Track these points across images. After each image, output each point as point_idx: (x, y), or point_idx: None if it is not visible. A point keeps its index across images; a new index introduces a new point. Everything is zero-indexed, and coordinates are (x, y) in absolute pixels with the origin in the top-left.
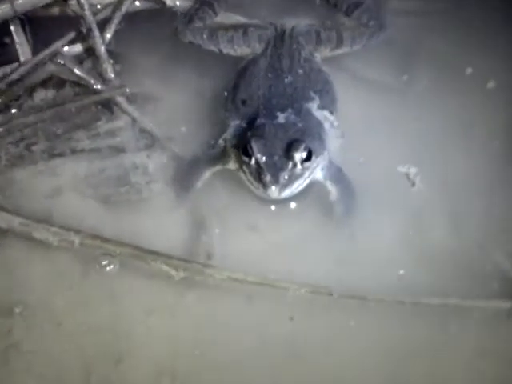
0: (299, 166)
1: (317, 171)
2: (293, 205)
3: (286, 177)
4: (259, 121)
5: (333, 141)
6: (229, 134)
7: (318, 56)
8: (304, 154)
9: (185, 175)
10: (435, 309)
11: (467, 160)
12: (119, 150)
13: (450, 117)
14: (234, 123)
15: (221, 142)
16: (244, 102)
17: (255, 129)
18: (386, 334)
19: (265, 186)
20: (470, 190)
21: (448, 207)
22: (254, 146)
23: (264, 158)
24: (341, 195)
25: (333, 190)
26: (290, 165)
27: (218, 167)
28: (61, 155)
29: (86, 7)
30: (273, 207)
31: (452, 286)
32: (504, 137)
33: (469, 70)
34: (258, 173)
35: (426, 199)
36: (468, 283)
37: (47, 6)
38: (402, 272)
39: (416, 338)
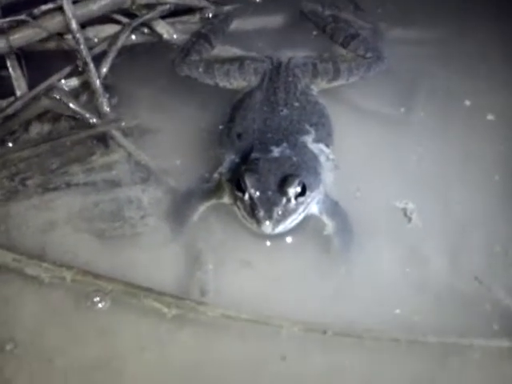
0: (293, 200)
1: (312, 205)
2: (289, 239)
3: (280, 212)
4: (253, 155)
5: (328, 174)
6: (224, 167)
7: (314, 88)
8: (298, 189)
9: (179, 209)
10: (433, 347)
11: (466, 194)
12: (114, 184)
13: (448, 150)
14: (229, 157)
15: (216, 175)
16: (239, 136)
17: (249, 163)
18: (382, 372)
19: (258, 221)
20: (468, 225)
21: (446, 243)
22: (248, 180)
23: (257, 193)
24: (337, 229)
25: (329, 224)
26: (284, 200)
27: (213, 201)
28: (55, 189)
29: (82, 42)
30: (268, 243)
31: (451, 324)
32: (503, 171)
33: (468, 102)
34: (252, 208)
35: (424, 235)
36: (468, 320)
37: (43, 40)
38: (399, 309)
39: (413, 378)
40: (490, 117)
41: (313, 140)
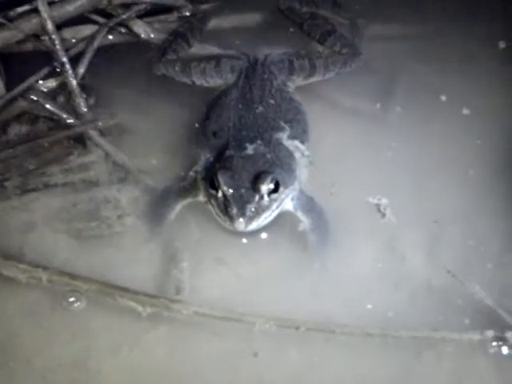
0: (266, 197)
1: (286, 202)
2: (264, 236)
3: (253, 209)
4: (228, 153)
5: (303, 170)
6: (199, 166)
7: (290, 85)
8: (271, 186)
9: (156, 208)
10: (407, 342)
11: (441, 189)
12: (92, 184)
13: (423, 145)
14: (205, 155)
15: (191, 174)
16: (214, 134)
17: (223, 161)
18: (356, 368)
19: (231, 218)
20: (443, 220)
21: (421, 238)
22: (221, 178)
23: (230, 191)
24: (312, 225)
25: (304, 220)
26: (257, 197)
27: (189, 200)
28: (34, 190)
29: (58, 43)
30: (244, 240)
31: (425, 318)
32: (478, 165)
33: (443, 97)
34: (225, 206)
35: (398, 230)
36: (442, 314)
37: (20, 42)
38: (373, 304)
39: (387, 372)
40: (465, 111)
41: (288, 137)
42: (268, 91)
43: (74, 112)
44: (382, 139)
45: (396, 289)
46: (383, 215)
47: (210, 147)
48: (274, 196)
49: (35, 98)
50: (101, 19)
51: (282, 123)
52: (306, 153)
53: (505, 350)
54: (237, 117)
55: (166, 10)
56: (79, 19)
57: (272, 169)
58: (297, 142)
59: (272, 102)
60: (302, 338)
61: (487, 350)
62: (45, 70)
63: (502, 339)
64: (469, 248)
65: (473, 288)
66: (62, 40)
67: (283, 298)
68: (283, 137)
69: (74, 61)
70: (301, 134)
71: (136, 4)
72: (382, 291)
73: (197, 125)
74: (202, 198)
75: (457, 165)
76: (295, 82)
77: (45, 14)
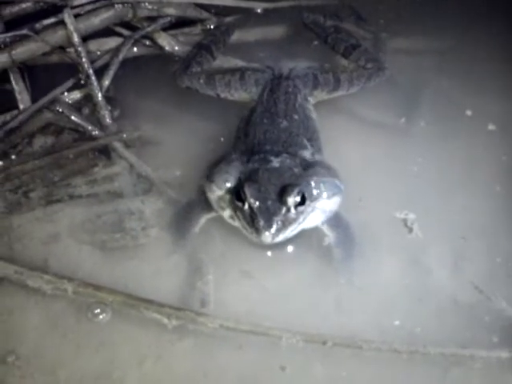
0: (293, 210)
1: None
2: (290, 249)
3: (280, 222)
4: (253, 165)
5: None
6: None
7: (311, 100)
8: (298, 199)
9: (181, 221)
10: (434, 358)
11: (467, 205)
12: (117, 196)
13: (449, 160)
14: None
15: None
16: (242, 150)
17: (249, 173)
18: None
19: (258, 231)
20: (469, 235)
21: (447, 253)
22: (247, 190)
23: (257, 203)
24: (338, 239)
25: (330, 234)
26: (284, 209)
27: (214, 213)
28: (58, 201)
29: (83, 55)
30: (269, 253)
31: (452, 335)
32: (505, 181)
33: (469, 112)
34: (252, 218)
35: (425, 245)
36: (469, 331)
37: (46, 54)
38: (400, 320)
39: None
40: (491, 127)
41: (311, 154)
42: (292, 105)
43: (99, 124)
44: (407, 153)
45: (422, 304)
46: (410, 230)
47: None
48: (300, 209)
49: (60, 110)
50: (126, 32)
51: (305, 141)
52: None
53: None
54: (261, 131)
55: (191, 22)
56: (104, 32)
57: (299, 181)
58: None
59: (296, 117)
60: (329, 352)
61: None
62: (70, 82)
63: None
64: (495, 264)
65: (500, 304)
66: (88, 52)
67: (309, 312)
68: (307, 155)
69: (99, 73)
70: (318, 152)
71: (161, 17)
72: (408, 306)
73: (222, 139)
74: (227, 212)
75: (483, 180)
76: (318, 97)
77: (71, 27)
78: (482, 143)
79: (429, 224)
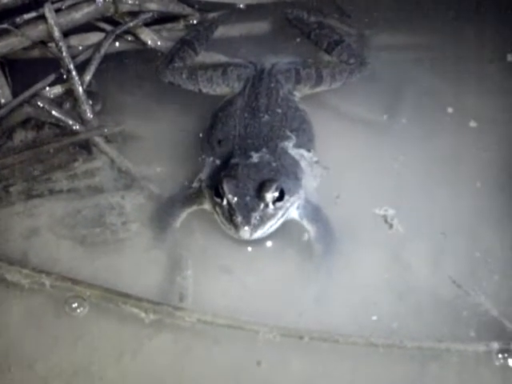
0: (271, 206)
1: (292, 210)
2: (269, 245)
3: (258, 217)
4: (232, 161)
5: (310, 179)
6: (204, 174)
7: (296, 94)
8: (276, 194)
9: (161, 215)
10: (411, 352)
11: (447, 201)
12: (97, 191)
13: (430, 157)
14: (210, 163)
15: (196, 182)
16: (219, 142)
17: (228, 169)
18: (360, 378)
19: (236, 227)
20: (449, 231)
21: (427, 249)
22: (226, 186)
23: (235, 199)
24: (318, 234)
25: (310, 228)
26: (262, 205)
27: (194, 208)
28: (38, 196)
29: (64, 49)
30: (249, 248)
31: (430, 329)
32: (485, 177)
33: (450, 109)
34: (230, 214)
35: (404, 240)
36: (447, 326)
37: (27, 48)
38: (378, 315)
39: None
40: (472, 124)
41: (293, 145)
42: (274, 100)
43: (80, 118)
44: (388, 150)
45: (401, 299)
46: (390, 226)
47: (215, 155)
48: (279, 204)
49: (41, 105)
50: (108, 27)
51: (288, 132)
52: (315, 159)
53: (510, 362)
54: (242, 125)
55: (173, 18)
56: (86, 26)
57: (277, 177)
58: (302, 151)
59: (278, 110)
60: (306, 347)
61: (493, 361)
62: (51, 77)
63: (507, 351)
64: (475, 259)
65: (479, 299)
66: (69, 47)
67: (287, 307)
68: (289, 146)
69: (81, 68)
70: (306, 143)
71: (143, 12)
72: (387, 302)
73: (201, 134)
74: (207, 206)
75: (464, 177)
76: (301, 92)
77: (52, 21)
78: (463, 140)
79: (409, 220)
